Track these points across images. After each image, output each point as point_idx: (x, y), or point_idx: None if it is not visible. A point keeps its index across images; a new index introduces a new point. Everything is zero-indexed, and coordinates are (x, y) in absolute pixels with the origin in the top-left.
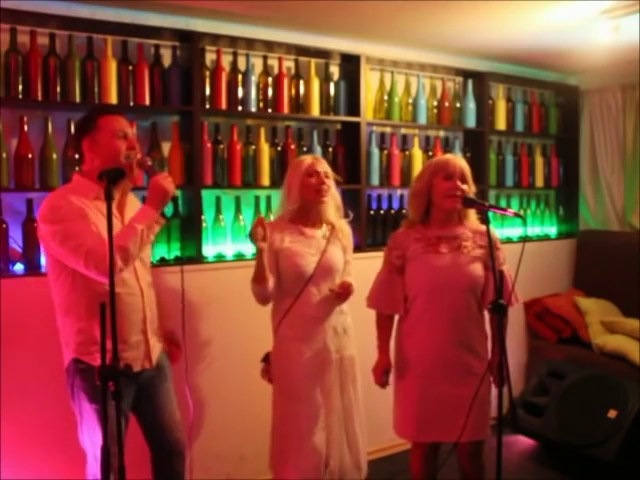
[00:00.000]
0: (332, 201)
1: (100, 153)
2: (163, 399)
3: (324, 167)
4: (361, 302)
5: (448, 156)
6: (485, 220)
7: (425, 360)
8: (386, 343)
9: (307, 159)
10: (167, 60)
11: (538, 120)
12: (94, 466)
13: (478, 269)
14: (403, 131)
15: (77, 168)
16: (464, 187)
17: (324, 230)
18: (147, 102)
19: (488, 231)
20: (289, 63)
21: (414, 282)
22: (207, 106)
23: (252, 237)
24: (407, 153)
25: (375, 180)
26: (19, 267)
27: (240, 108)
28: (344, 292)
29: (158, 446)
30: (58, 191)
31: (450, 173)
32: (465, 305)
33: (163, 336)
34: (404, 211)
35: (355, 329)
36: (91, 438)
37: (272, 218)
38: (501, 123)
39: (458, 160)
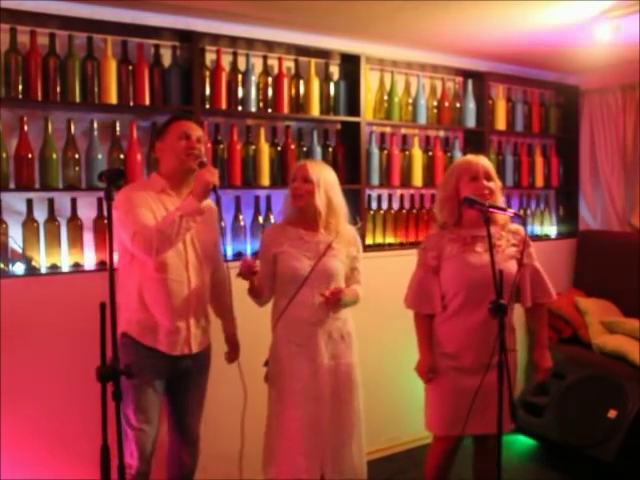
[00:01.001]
0: (324, 206)
1: (167, 152)
2: (197, 391)
3: (306, 172)
4: (364, 306)
5: (470, 157)
6: (485, 220)
7: (459, 355)
8: (428, 342)
9: (297, 164)
10: (167, 60)
11: (538, 120)
12: (125, 439)
13: (513, 266)
14: (403, 131)
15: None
16: (491, 185)
17: (326, 235)
18: (147, 102)
19: (488, 231)
20: (289, 63)
21: (453, 280)
22: (207, 106)
23: (243, 276)
24: (407, 153)
25: (375, 180)
26: (19, 267)
27: (240, 108)
28: (331, 298)
29: (180, 433)
30: (129, 185)
31: (475, 174)
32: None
33: (225, 338)
34: (404, 211)
35: (357, 333)
36: (124, 411)
37: (272, 219)
38: (501, 123)
39: (480, 160)
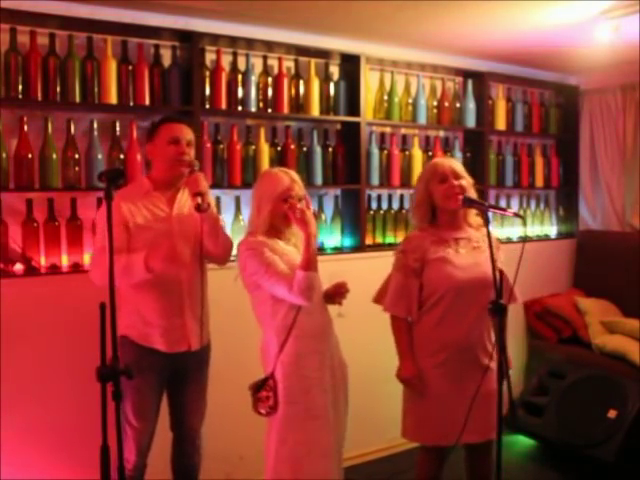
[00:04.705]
0: None
1: (157, 156)
2: (196, 388)
3: (300, 190)
4: (364, 306)
5: (436, 160)
6: (485, 220)
7: (447, 360)
8: (410, 348)
9: (284, 180)
10: (167, 60)
11: (538, 120)
12: (124, 436)
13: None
14: (403, 131)
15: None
16: (462, 183)
17: (294, 241)
18: (147, 102)
19: (488, 231)
20: (289, 63)
21: (440, 283)
22: (207, 106)
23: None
24: (407, 153)
25: (375, 180)
26: (19, 267)
27: (240, 108)
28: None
29: (180, 431)
30: (119, 192)
31: (442, 175)
32: (485, 303)
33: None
34: (404, 211)
35: (357, 333)
36: (123, 409)
37: None
38: (501, 123)
39: (446, 161)
